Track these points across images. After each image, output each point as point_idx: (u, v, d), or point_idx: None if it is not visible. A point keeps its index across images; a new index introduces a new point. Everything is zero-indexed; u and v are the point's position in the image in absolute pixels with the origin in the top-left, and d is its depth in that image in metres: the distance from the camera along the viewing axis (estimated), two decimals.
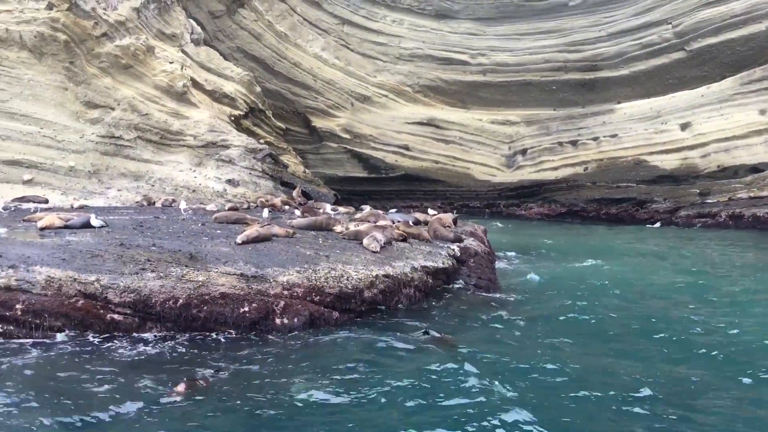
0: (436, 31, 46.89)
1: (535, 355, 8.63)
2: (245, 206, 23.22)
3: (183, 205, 18.87)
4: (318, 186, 32.22)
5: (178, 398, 6.82)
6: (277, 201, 21.95)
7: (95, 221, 12.10)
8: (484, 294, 12.93)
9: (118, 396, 6.83)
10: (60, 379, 7.34)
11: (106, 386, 7.12)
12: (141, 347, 8.51)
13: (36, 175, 25.57)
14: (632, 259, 19.90)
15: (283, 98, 43.51)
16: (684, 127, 40.72)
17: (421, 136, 46.71)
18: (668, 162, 40.46)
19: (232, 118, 29.46)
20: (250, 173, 26.88)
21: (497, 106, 47.61)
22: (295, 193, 26.11)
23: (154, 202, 24.28)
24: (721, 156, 38.20)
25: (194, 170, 27.00)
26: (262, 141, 30.27)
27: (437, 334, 8.87)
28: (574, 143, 44.45)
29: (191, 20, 31.10)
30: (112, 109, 26.73)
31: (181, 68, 27.48)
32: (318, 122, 45.23)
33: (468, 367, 7.81)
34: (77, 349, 8.38)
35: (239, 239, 11.35)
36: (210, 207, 21.59)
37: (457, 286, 12.95)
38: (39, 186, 25.39)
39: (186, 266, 9.88)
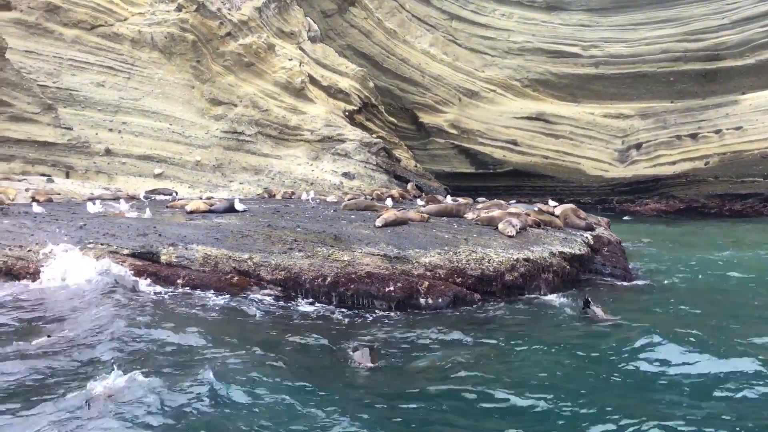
0: (547, 24, 45.89)
1: (703, 338, 8.29)
2: (361, 198, 23.59)
3: (311, 194, 19.39)
4: (429, 180, 32.32)
5: (361, 366, 6.96)
6: (395, 193, 22.16)
7: (239, 205, 12.64)
8: (621, 283, 12.55)
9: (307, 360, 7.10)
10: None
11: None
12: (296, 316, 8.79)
13: (165, 168, 27.03)
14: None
15: (391, 94, 43.82)
16: None
17: (530, 131, 45.83)
18: None
19: (346, 113, 30.00)
20: (365, 166, 27.29)
21: (610, 100, 46.02)
22: (409, 187, 26.31)
23: (275, 195, 25.07)
24: None
25: (311, 164, 27.69)
26: (374, 135, 30.64)
27: (599, 311, 8.69)
28: (693, 136, 42.34)
29: (308, 18, 31.89)
30: (235, 105, 27.83)
31: (299, 65, 28.25)
32: (425, 118, 45.26)
33: (639, 343, 7.57)
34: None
35: (378, 222, 11.53)
36: (330, 198, 22.09)
37: (592, 274, 12.64)
38: (168, 179, 26.82)
39: (331, 246, 10.14)
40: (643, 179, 42.37)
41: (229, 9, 27.44)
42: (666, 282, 12.79)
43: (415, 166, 33.05)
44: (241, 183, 26.95)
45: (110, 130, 26.94)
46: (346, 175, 26.86)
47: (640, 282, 12.81)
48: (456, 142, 45.27)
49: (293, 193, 24.88)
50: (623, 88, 45.68)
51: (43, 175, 25.33)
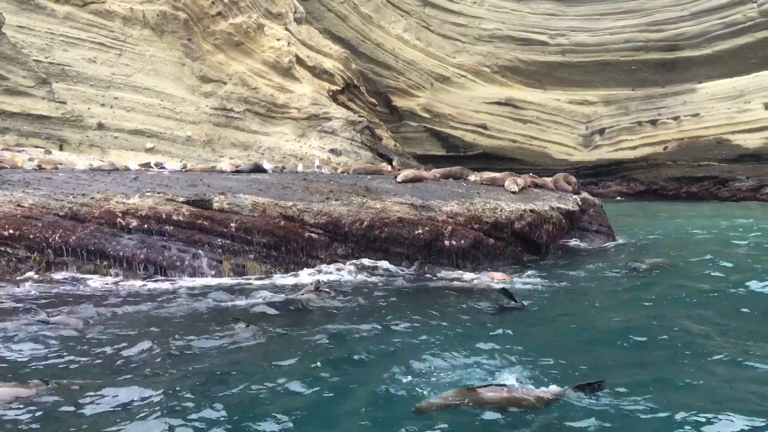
0: (516, 12, 47.62)
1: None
2: (368, 165, 24.81)
3: (316, 163, 20.60)
4: (407, 159, 33.64)
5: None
6: (386, 166, 23.45)
7: (267, 165, 13.81)
8: (607, 239, 14.17)
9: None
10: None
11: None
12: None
13: (157, 143, 27.80)
14: (732, 222, 20.70)
15: (365, 78, 44.86)
16: None
17: (499, 115, 47.60)
18: (751, 141, 40.40)
19: (330, 93, 31.11)
20: (351, 143, 28.52)
21: (575, 87, 48.07)
22: (395, 163, 27.58)
23: (266, 170, 26.12)
24: None
25: (298, 140, 28.79)
26: (357, 115, 31.84)
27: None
28: (653, 123, 44.68)
29: (295, 0, 32.85)
30: (225, 83, 28.72)
31: (288, 45, 29.26)
32: (399, 102, 46.63)
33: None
34: None
35: (399, 178, 12.88)
36: (324, 170, 23.32)
37: (581, 230, 14.21)
38: (159, 153, 27.58)
39: (364, 196, 11.45)
40: (606, 163, 44.62)
41: None
42: (645, 243, 14.48)
43: (395, 146, 34.40)
44: (231, 158, 27.82)
45: (102, 105, 27.55)
46: (333, 151, 28.04)
47: (623, 241, 14.50)
48: (428, 126, 46.79)
49: (283, 168, 25.93)
50: (588, 75, 47.76)
51: (36, 147, 25.88)
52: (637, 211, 27.07)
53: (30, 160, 22.20)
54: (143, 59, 28.22)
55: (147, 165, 24.30)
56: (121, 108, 27.68)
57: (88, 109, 27.24)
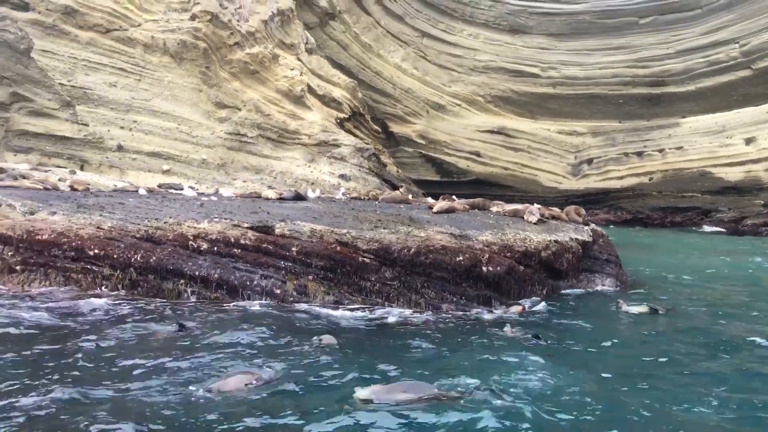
0: (510, 45, 49.62)
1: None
2: (361, 198, 26.19)
3: (342, 190, 21.87)
4: (409, 185, 35.06)
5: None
6: (397, 193, 24.79)
7: (312, 194, 15.07)
8: (615, 267, 15.58)
9: None
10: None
11: None
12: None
13: (173, 165, 28.96)
14: (722, 257, 22.27)
15: (365, 105, 46.57)
16: (748, 141, 42.72)
17: (492, 143, 49.38)
18: (732, 174, 42.46)
19: (338, 121, 32.51)
20: (359, 170, 29.89)
21: (564, 117, 50.05)
22: (402, 190, 28.97)
23: (307, 198, 27.37)
24: None
25: (309, 165, 30.11)
26: (363, 142, 33.23)
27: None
28: (639, 154, 46.68)
29: (306, 32, 34.35)
30: (239, 109, 30.03)
31: (300, 74, 30.66)
32: (395, 128, 48.20)
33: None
34: None
35: (435, 209, 14.20)
36: (338, 197, 24.61)
37: (592, 259, 15.61)
38: (175, 175, 28.74)
39: (408, 225, 12.74)
40: (594, 191, 46.50)
41: (238, 20, 29.67)
42: (649, 272, 15.91)
43: (397, 172, 35.84)
44: (244, 181, 29.11)
45: (122, 127, 28.70)
46: (342, 176, 29.38)
47: (630, 269, 15.92)
48: (423, 152, 48.45)
49: (297, 192, 27.26)
50: (577, 107, 49.83)
51: (59, 167, 26.89)
52: (632, 239, 28.61)
53: (60, 180, 23.30)
54: (162, 84, 29.46)
55: (168, 186, 25.61)
56: (139, 131, 28.84)
57: (108, 131, 28.37)
